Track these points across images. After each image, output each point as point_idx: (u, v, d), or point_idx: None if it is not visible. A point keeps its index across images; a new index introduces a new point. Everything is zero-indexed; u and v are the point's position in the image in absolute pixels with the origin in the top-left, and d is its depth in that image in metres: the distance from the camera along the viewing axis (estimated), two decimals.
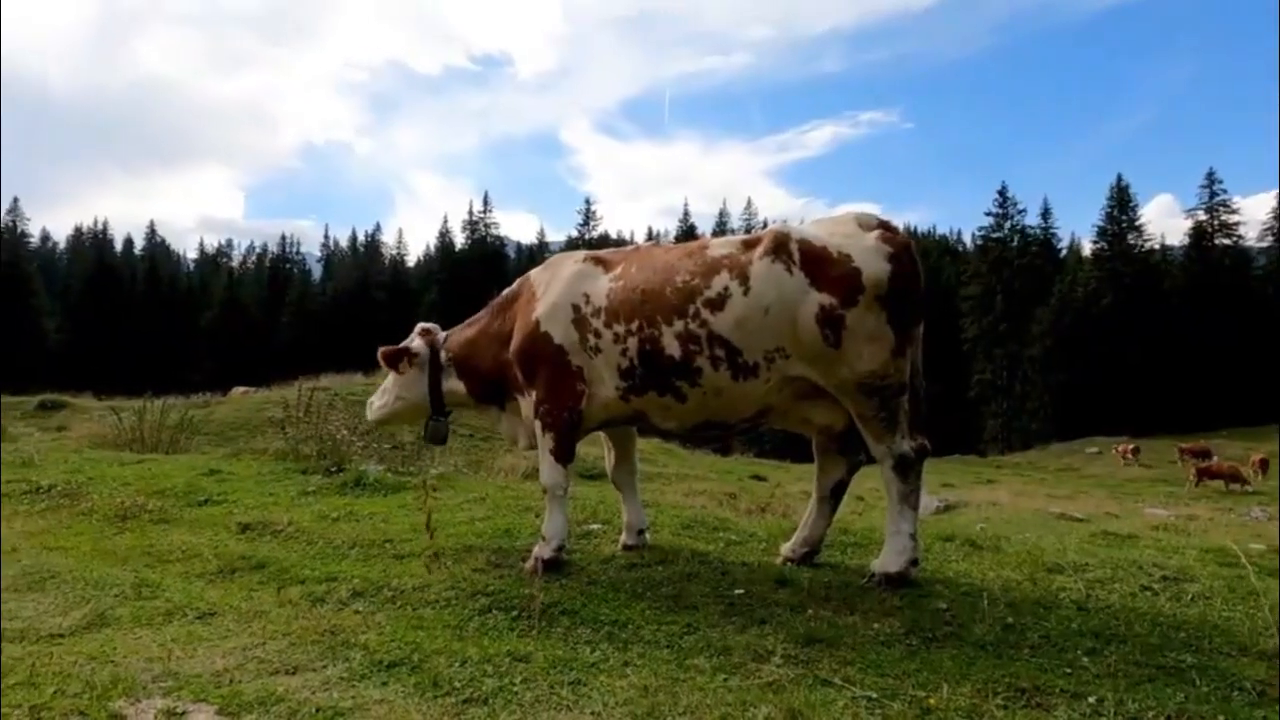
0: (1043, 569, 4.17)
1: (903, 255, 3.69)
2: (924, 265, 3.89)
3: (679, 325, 3.75)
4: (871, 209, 4.19)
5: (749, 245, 3.83)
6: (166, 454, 8.85)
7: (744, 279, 3.70)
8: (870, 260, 3.63)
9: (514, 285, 4.51)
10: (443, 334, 4.63)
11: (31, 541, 4.64)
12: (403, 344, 4.58)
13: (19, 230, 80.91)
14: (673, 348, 3.77)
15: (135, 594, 3.61)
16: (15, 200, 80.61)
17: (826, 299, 3.60)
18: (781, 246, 3.70)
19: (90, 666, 2.73)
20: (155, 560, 4.25)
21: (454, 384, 4.49)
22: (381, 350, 4.56)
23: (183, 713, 2.40)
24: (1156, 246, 62.95)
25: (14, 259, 72.06)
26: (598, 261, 4.16)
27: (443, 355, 4.49)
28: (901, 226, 3.93)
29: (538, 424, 4.07)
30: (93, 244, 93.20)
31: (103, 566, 4.08)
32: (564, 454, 4.05)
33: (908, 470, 3.69)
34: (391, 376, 4.60)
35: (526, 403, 4.22)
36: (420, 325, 4.72)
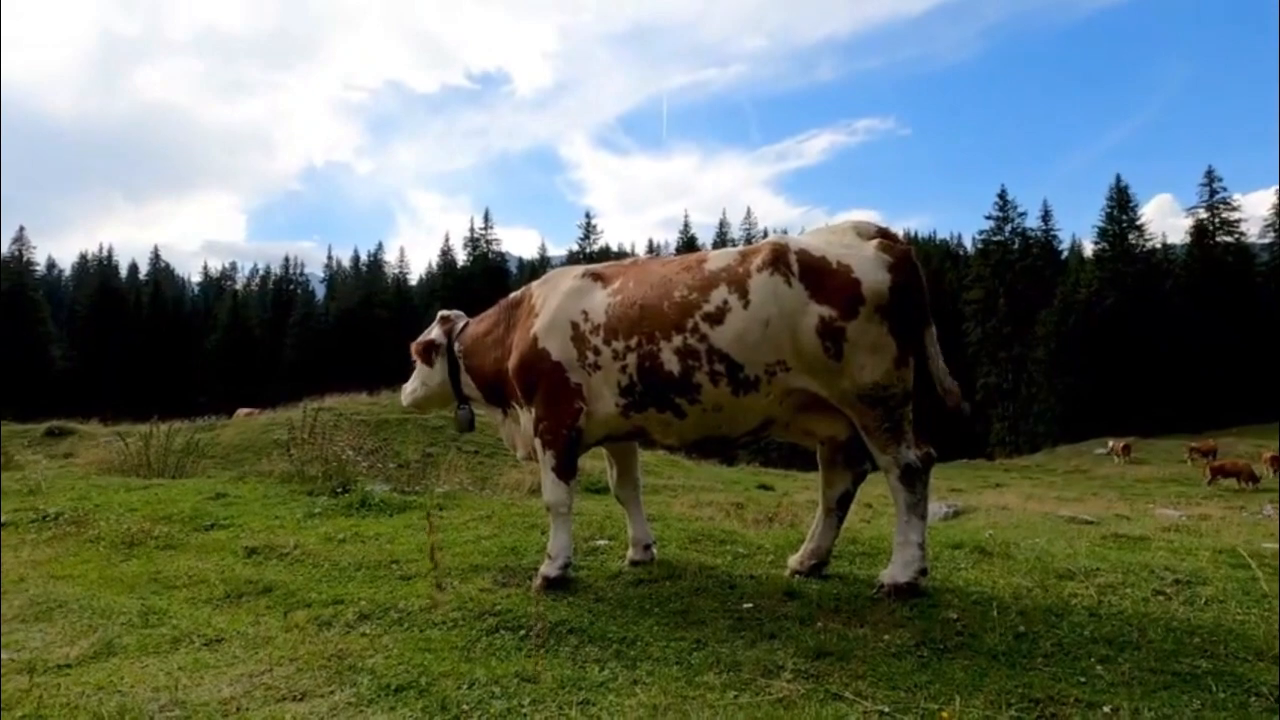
0: (1053, 575, 4.13)
1: (903, 264, 3.67)
2: (925, 270, 3.88)
3: (678, 341, 3.73)
4: (871, 216, 4.24)
5: (747, 257, 3.81)
6: (173, 478, 8.85)
7: (743, 292, 3.68)
8: (870, 270, 3.60)
9: (519, 292, 4.53)
10: (463, 321, 4.69)
11: (39, 570, 4.63)
12: (425, 334, 4.70)
13: (25, 258, 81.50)
14: (672, 364, 3.74)
15: (142, 622, 3.60)
16: (21, 229, 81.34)
17: (827, 311, 3.57)
18: (780, 258, 3.68)
19: (97, 697, 2.72)
20: (162, 587, 4.24)
21: (465, 377, 4.57)
22: (413, 345, 4.71)
23: None
24: (1158, 246, 62.96)
25: (20, 287, 72.63)
26: (595, 277, 4.15)
27: (456, 347, 4.56)
28: (902, 232, 3.92)
29: (538, 441, 4.06)
30: (98, 270, 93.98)
31: (109, 594, 4.07)
32: (566, 471, 4.03)
33: (914, 480, 3.65)
34: (417, 365, 4.73)
35: (525, 414, 4.21)
36: (441, 313, 4.82)
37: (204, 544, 5.21)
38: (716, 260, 3.88)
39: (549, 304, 4.11)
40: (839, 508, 4.11)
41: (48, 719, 2.54)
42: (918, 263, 3.79)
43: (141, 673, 2.97)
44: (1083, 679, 2.77)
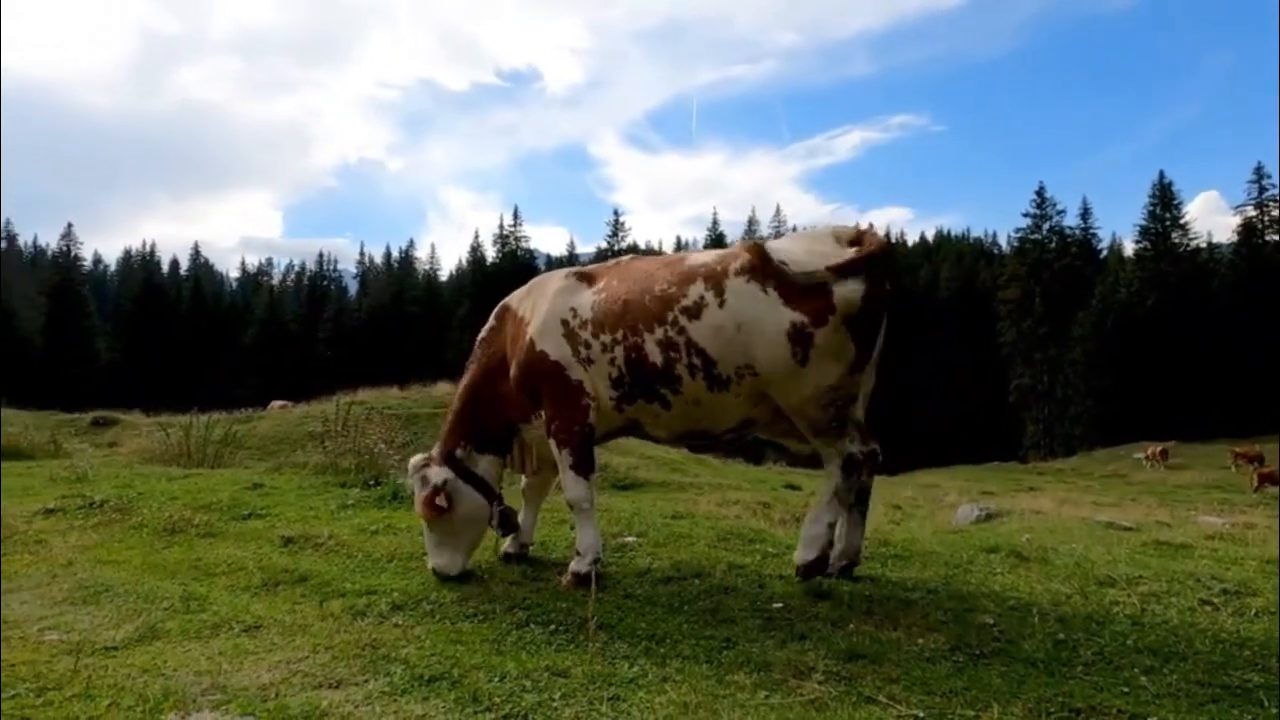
0: (1093, 582, 4.03)
1: (875, 274, 3.71)
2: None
3: (659, 332, 3.84)
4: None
5: (725, 259, 3.90)
6: (212, 468, 9.09)
7: (719, 291, 3.78)
8: (843, 280, 3.66)
9: (491, 319, 4.43)
10: (436, 449, 4.29)
11: (86, 555, 4.79)
12: (426, 491, 4.03)
13: (72, 254, 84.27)
14: (655, 355, 3.85)
15: (184, 607, 3.70)
16: (69, 225, 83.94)
17: (798, 317, 3.65)
18: (756, 267, 3.76)
19: (142, 679, 2.80)
20: (202, 574, 4.35)
21: (482, 465, 4.26)
22: (428, 504, 3.99)
23: None
24: (1203, 245, 60.99)
25: (68, 282, 75.21)
26: (581, 277, 4.23)
27: (458, 453, 4.21)
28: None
29: (553, 442, 4.08)
30: (141, 266, 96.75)
31: (153, 579, 4.19)
32: (584, 467, 4.05)
33: (852, 471, 3.79)
34: (439, 521, 4.03)
35: (532, 426, 4.21)
36: (414, 460, 4.22)
37: (242, 533, 5.33)
38: (696, 258, 4.02)
39: (539, 308, 4.17)
40: (858, 501, 4.10)
41: (96, 699, 2.62)
42: (897, 267, 3.90)
43: (184, 656, 3.05)
44: (1126, 689, 2.70)
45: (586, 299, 4.08)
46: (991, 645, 3.09)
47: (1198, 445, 41.57)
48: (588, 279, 4.20)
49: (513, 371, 4.17)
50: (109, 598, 3.87)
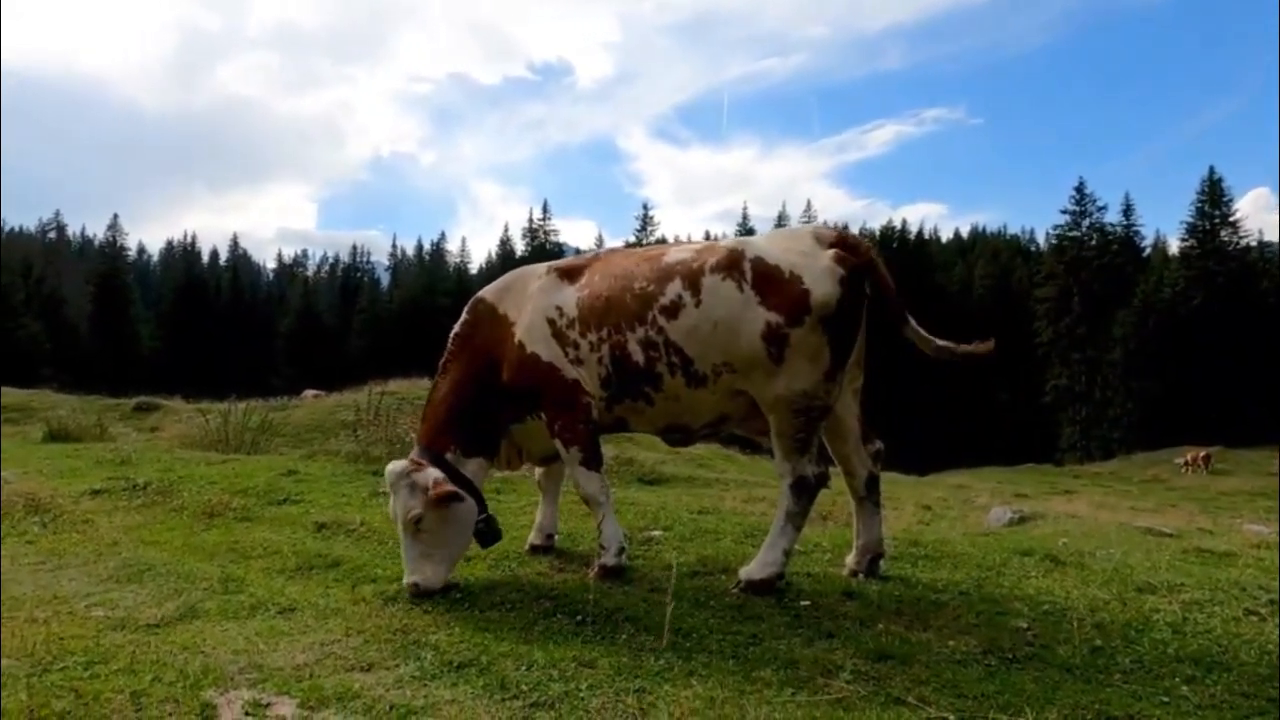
0: (1132, 588, 3.93)
1: (855, 276, 3.69)
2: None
3: (641, 332, 3.83)
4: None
5: (703, 255, 3.87)
6: (249, 454, 9.32)
7: (696, 290, 3.78)
8: (820, 281, 3.66)
9: (465, 316, 4.24)
10: (417, 452, 3.98)
11: (130, 536, 4.96)
12: (438, 487, 3.69)
13: (118, 245, 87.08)
14: (638, 354, 3.85)
15: (222, 588, 3.80)
16: (115, 217, 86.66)
17: (774, 317, 3.65)
18: (735, 265, 3.77)
19: (183, 656, 2.88)
20: (239, 556, 4.46)
21: (470, 468, 3.99)
22: (434, 500, 3.66)
23: (267, 705, 2.50)
24: (1253, 243, 58.96)
25: (114, 271, 77.74)
26: (562, 273, 4.17)
27: (448, 457, 3.94)
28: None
29: (559, 442, 4.04)
30: (183, 257, 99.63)
31: (192, 561, 4.32)
32: (593, 462, 4.01)
33: (803, 493, 3.73)
34: (425, 531, 3.71)
35: (524, 426, 4.15)
36: (394, 467, 3.88)
37: (277, 517, 5.46)
38: (674, 254, 3.98)
39: (523, 307, 4.10)
40: (869, 493, 4.07)
41: (140, 674, 2.70)
42: (881, 269, 3.84)
43: (222, 636, 3.14)
44: (1166, 699, 2.63)
45: (570, 296, 4.01)
46: (1025, 650, 3.03)
47: (1243, 451, 40.26)
48: (569, 275, 4.12)
49: (506, 375, 4.06)
50: (151, 577, 3.99)
